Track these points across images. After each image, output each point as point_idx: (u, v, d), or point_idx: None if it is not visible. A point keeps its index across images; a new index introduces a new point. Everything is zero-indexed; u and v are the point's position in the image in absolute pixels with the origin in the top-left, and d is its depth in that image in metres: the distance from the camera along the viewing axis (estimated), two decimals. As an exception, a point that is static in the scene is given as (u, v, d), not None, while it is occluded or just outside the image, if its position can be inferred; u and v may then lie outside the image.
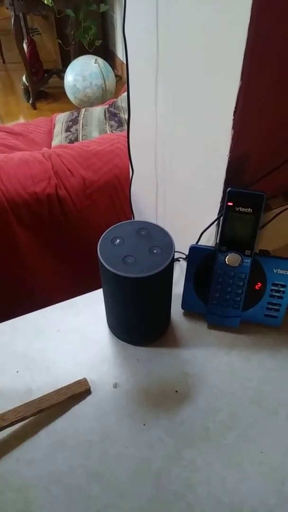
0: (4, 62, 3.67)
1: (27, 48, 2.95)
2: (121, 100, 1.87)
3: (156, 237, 0.56)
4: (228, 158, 0.54)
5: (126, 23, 0.65)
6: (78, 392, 0.56)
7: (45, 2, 2.43)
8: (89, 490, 0.49)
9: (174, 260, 0.55)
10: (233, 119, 0.50)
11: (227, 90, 0.48)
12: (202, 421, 0.55)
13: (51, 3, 2.44)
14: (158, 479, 0.50)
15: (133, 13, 0.64)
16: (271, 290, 0.61)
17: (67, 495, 0.48)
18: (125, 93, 0.73)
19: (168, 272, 0.55)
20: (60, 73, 3.10)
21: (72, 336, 0.64)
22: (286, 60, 0.47)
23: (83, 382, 0.58)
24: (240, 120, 0.50)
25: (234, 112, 0.49)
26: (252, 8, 0.41)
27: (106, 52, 3.39)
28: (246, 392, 0.58)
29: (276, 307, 0.62)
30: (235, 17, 0.43)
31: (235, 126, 0.50)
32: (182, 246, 0.65)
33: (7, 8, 2.73)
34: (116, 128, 1.82)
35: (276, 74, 0.48)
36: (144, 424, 0.54)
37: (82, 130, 1.82)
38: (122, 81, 3.19)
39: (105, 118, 1.87)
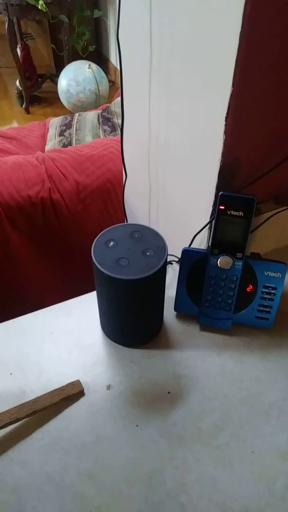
0: (-3, 66, 3.68)
1: (21, 52, 2.96)
2: (115, 105, 1.88)
3: (150, 240, 0.57)
4: (220, 162, 0.55)
5: (120, 29, 0.66)
6: (72, 394, 0.57)
7: (39, 7, 2.44)
8: (82, 491, 0.49)
9: (167, 262, 0.56)
10: (225, 124, 0.51)
11: (219, 96, 0.49)
12: (194, 421, 0.55)
13: (45, 8, 2.46)
14: (151, 479, 0.50)
15: (127, 20, 0.65)
16: (262, 292, 0.62)
17: (60, 496, 0.49)
18: (119, 98, 0.74)
19: (161, 274, 0.56)
20: (54, 78, 3.12)
21: (66, 338, 0.65)
22: (277, 67, 0.49)
23: (76, 384, 0.58)
24: (232, 125, 0.51)
25: (226, 117, 0.50)
26: (243, 18, 0.42)
27: (99, 57, 3.41)
28: (238, 393, 0.58)
29: (267, 309, 0.63)
30: (227, 26, 0.44)
31: (227, 131, 0.51)
32: (174, 249, 0.66)
33: (0, 13, 2.73)
34: (110, 133, 1.83)
35: (267, 81, 0.50)
36: (137, 425, 0.55)
37: (76, 134, 1.83)
38: (115, 86, 3.21)
39: (99, 122, 1.88)
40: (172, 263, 0.74)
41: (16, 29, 3.09)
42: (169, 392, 0.58)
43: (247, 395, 0.58)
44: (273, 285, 0.61)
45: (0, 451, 0.52)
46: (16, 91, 3.06)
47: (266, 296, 0.62)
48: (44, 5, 2.44)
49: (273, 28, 0.45)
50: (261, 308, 0.63)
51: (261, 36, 0.45)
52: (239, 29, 0.43)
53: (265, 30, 0.44)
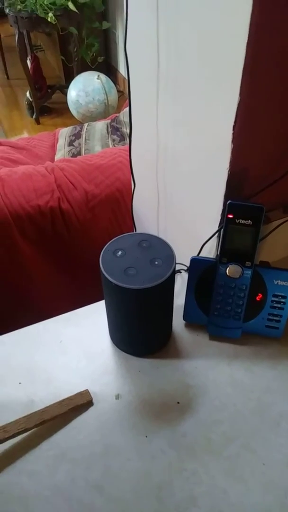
0: (8, 78, 3.73)
1: (31, 64, 3.00)
2: (123, 115, 1.90)
3: (158, 249, 0.57)
4: (228, 171, 0.55)
5: (128, 40, 0.67)
6: (80, 404, 0.57)
7: (49, 19, 2.48)
8: (91, 503, 0.49)
9: (175, 271, 0.56)
10: (233, 133, 0.51)
11: (226, 105, 0.50)
12: (204, 432, 0.55)
13: (55, 20, 2.50)
14: (161, 492, 0.50)
15: (134, 31, 0.66)
16: (272, 301, 0.61)
17: (68, 507, 0.48)
18: (127, 108, 0.74)
19: (169, 283, 0.56)
20: (63, 89, 3.15)
21: (74, 348, 0.65)
22: (284, 76, 0.49)
23: (85, 394, 0.58)
24: (240, 134, 0.51)
25: (234, 126, 0.50)
26: (250, 28, 0.42)
27: (108, 68, 3.45)
28: (248, 404, 0.58)
29: (277, 318, 0.62)
30: (234, 35, 0.45)
31: (234, 140, 0.51)
32: (183, 258, 0.65)
33: (11, 26, 2.78)
34: (118, 142, 1.84)
35: (275, 90, 0.50)
36: (146, 436, 0.54)
37: (85, 144, 1.85)
38: (124, 96, 3.23)
39: (108, 132, 1.89)
40: (180, 272, 0.74)
41: (26, 41, 3.15)
42: (178, 402, 0.58)
43: (257, 405, 0.57)
44: (283, 294, 0.60)
45: (8, 461, 0.52)
46: (26, 102, 3.10)
47: (276, 305, 0.61)
48: (53, 18, 2.48)
49: (280, 37, 0.45)
50: (271, 317, 0.62)
51: (268, 45, 0.45)
52: (246, 39, 0.43)
53: (272, 39, 0.45)
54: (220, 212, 0.60)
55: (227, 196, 0.57)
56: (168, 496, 0.49)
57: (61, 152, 1.83)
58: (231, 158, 0.53)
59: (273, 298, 0.61)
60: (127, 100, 0.77)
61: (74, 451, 0.53)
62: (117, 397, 0.58)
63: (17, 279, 1.15)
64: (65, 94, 2.97)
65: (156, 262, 0.55)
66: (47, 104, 3.22)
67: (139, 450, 0.53)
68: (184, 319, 0.67)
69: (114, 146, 1.83)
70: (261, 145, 0.55)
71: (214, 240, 0.63)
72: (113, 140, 1.86)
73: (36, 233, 1.11)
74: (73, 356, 0.63)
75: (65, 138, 1.89)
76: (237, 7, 0.43)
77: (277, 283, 0.60)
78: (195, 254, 0.65)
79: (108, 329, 0.66)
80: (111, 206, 1.17)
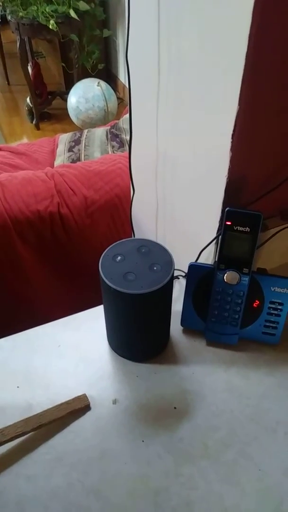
0: (9, 83, 3.75)
1: (32, 70, 3.02)
2: (123, 121, 1.91)
3: (156, 255, 0.58)
4: (227, 179, 0.55)
5: (129, 49, 0.68)
6: (78, 408, 0.57)
7: (50, 26, 2.50)
8: (87, 507, 0.49)
9: (173, 277, 0.56)
10: (231, 142, 0.52)
11: (225, 114, 0.50)
12: (201, 438, 0.55)
13: (56, 28, 2.52)
14: (157, 496, 0.50)
15: (136, 40, 0.67)
16: (269, 308, 0.62)
17: (65, 511, 0.48)
18: (127, 115, 0.75)
19: (167, 289, 0.56)
20: (64, 95, 3.17)
21: (72, 352, 0.65)
22: (283, 86, 0.50)
23: (82, 398, 0.58)
24: (238, 142, 0.52)
25: (232, 135, 0.51)
26: (249, 39, 0.43)
27: (108, 75, 3.47)
28: (245, 410, 0.58)
29: (273, 325, 0.63)
30: (233, 46, 0.46)
31: (233, 148, 0.52)
32: (181, 263, 0.66)
33: (12, 32, 2.80)
34: (118, 149, 1.85)
35: (273, 99, 0.50)
36: (143, 441, 0.55)
37: (85, 150, 1.86)
38: (123, 103, 3.25)
39: (107, 139, 1.90)
40: (178, 278, 0.74)
41: (27, 48, 3.17)
42: (175, 408, 0.58)
43: (254, 411, 0.58)
44: (280, 301, 0.61)
45: (5, 465, 0.52)
46: (26, 108, 3.12)
47: (272, 311, 0.62)
48: (55, 25, 2.50)
49: (279, 48, 0.46)
50: (268, 324, 0.63)
51: (266, 56, 0.46)
52: (245, 49, 0.44)
53: (270, 50, 0.45)
54: (218, 219, 0.60)
55: (225, 203, 0.58)
56: (165, 501, 0.49)
57: (61, 157, 1.84)
58: (229, 166, 0.54)
59: (270, 305, 0.61)
60: (127, 107, 0.78)
61: (71, 455, 0.53)
62: (115, 401, 0.59)
63: (16, 283, 1.15)
64: (65, 100, 2.99)
65: (155, 268, 0.55)
66: (47, 110, 3.24)
67: (136, 454, 0.53)
68: (181, 324, 0.67)
69: (114, 152, 1.84)
70: (260, 153, 0.56)
71: (212, 247, 0.64)
72: (113, 147, 1.87)
73: (35, 238, 1.12)
74: (71, 361, 0.64)
75: (65, 144, 1.90)
76: (237, 20, 0.44)
77: (274, 290, 0.60)
78: (193, 260, 0.65)
79: (106, 334, 0.66)
80: (110, 212, 1.18)
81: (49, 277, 1.19)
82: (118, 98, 3.08)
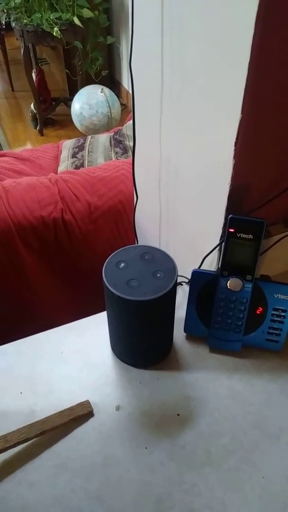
0: (13, 90, 3.78)
1: (36, 77, 3.04)
2: (126, 128, 1.92)
3: (160, 262, 0.58)
4: (230, 186, 0.56)
5: (133, 56, 0.68)
6: (81, 414, 0.57)
7: (54, 34, 2.52)
8: (90, 514, 0.49)
9: (177, 284, 0.56)
10: (234, 149, 0.52)
11: (228, 122, 0.51)
12: (204, 445, 0.55)
13: (60, 35, 2.54)
14: (160, 504, 0.50)
15: (139, 47, 0.68)
16: (272, 314, 0.62)
17: (68, 518, 0.48)
18: (130, 121, 0.75)
19: (171, 295, 0.56)
20: (67, 102, 3.19)
21: (76, 358, 0.65)
22: (286, 94, 0.50)
23: (85, 404, 0.58)
24: (241, 150, 0.52)
25: (235, 142, 0.51)
26: (252, 47, 0.44)
27: (112, 81, 3.50)
28: (248, 417, 0.58)
29: (277, 332, 0.63)
30: (236, 54, 0.46)
31: (236, 156, 0.53)
32: (184, 270, 0.66)
33: (17, 39, 2.83)
34: (121, 155, 1.86)
35: (276, 107, 0.51)
36: (146, 447, 0.55)
37: (88, 156, 1.87)
38: (127, 110, 3.27)
39: (111, 145, 1.91)
40: (182, 284, 0.74)
41: (31, 55, 3.20)
42: (178, 414, 0.58)
43: (257, 418, 0.58)
44: (283, 308, 0.61)
45: (8, 471, 0.52)
46: (30, 114, 3.14)
47: (276, 318, 0.62)
48: (59, 32, 2.52)
49: (282, 57, 0.46)
50: (271, 331, 0.63)
51: (270, 64, 0.46)
52: (248, 59, 0.44)
53: (274, 59, 0.46)
54: (221, 226, 0.60)
55: (228, 211, 0.58)
56: (168, 508, 0.49)
57: (65, 163, 1.85)
58: (232, 174, 0.54)
59: (274, 312, 0.62)
60: (130, 114, 0.78)
61: (74, 462, 0.53)
62: (118, 408, 0.59)
63: (20, 289, 1.15)
64: (69, 106, 3.01)
65: (158, 275, 0.56)
66: (51, 116, 3.26)
67: (139, 461, 0.53)
68: (185, 331, 0.67)
69: (117, 158, 1.85)
70: (263, 161, 0.57)
71: (215, 254, 0.64)
72: (116, 153, 1.88)
73: (39, 244, 1.12)
74: (74, 367, 0.64)
75: (69, 150, 1.91)
76: (240, 30, 0.44)
77: (278, 297, 0.61)
78: (197, 267, 0.65)
79: (109, 340, 0.66)
80: (114, 218, 1.18)
81: (52, 283, 1.19)
82: (121, 104, 3.10)
